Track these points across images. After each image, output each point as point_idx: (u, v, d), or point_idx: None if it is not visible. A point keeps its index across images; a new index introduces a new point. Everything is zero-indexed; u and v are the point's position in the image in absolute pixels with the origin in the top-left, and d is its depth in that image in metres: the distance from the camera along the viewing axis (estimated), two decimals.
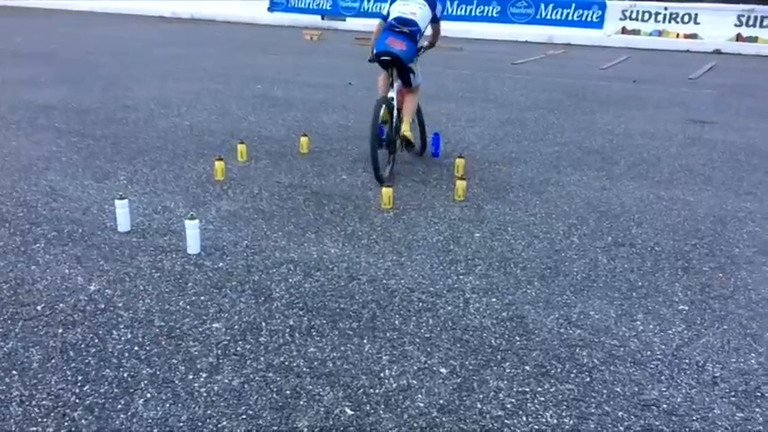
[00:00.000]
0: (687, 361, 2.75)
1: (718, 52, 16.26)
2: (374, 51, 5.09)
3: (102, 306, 3.02)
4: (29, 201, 4.35)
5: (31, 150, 5.54)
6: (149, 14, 23.90)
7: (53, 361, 2.58)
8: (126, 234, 3.86)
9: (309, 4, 22.22)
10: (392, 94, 5.14)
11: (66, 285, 3.20)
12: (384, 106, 4.96)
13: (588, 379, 2.59)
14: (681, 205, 4.73)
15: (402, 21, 5.04)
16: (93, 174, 4.97)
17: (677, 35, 17.67)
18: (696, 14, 17.57)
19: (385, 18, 5.22)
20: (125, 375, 2.50)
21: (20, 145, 5.70)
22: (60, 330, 2.80)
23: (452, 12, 20.61)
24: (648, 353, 2.80)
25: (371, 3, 21.80)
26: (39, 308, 2.98)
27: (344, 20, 21.75)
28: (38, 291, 3.14)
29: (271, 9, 22.49)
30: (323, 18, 21.67)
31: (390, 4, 5.22)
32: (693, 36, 17.46)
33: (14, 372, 2.50)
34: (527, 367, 2.66)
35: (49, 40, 14.54)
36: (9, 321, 2.85)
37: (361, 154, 5.80)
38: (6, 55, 11.54)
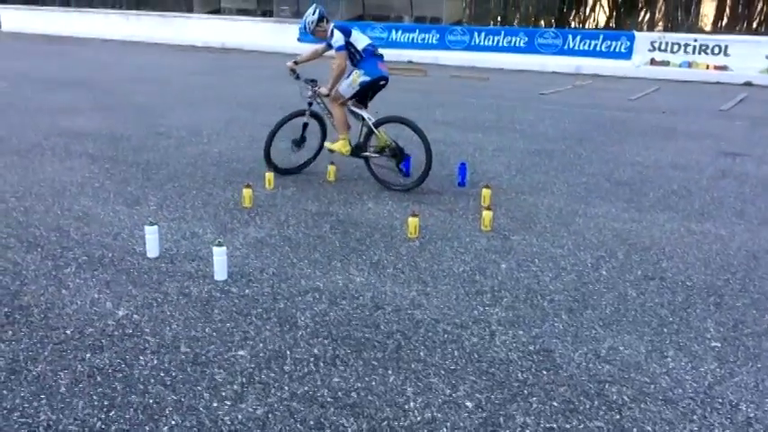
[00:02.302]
0: (720, 400, 2.67)
1: (749, 84, 16.10)
2: (368, 78, 5.49)
3: (130, 331, 3.04)
4: (62, 225, 4.43)
5: (64, 176, 5.66)
6: (181, 43, 24.47)
7: (81, 385, 2.60)
8: (155, 260, 3.91)
9: None
10: (367, 114, 5.69)
11: (95, 310, 3.24)
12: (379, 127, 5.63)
13: (618, 416, 2.54)
14: (712, 239, 4.65)
15: (375, 45, 5.62)
16: (124, 199, 5.06)
17: (707, 67, 17.56)
18: (726, 46, 17.46)
19: (345, 48, 5.45)
20: (150, 402, 2.51)
21: (54, 171, 5.82)
22: (88, 355, 2.82)
23: (480, 42, 20.79)
24: (680, 391, 2.73)
25: (399, 33, 22.08)
26: (68, 332, 3.02)
27: None
28: (67, 315, 3.18)
29: (300, 39, 22.88)
30: None
31: (348, 36, 5.47)
32: (724, 68, 17.33)
33: (42, 396, 2.52)
34: (554, 403, 2.61)
35: (83, 67, 14.94)
36: (39, 345, 2.89)
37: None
38: (42, 82, 11.87)
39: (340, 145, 5.73)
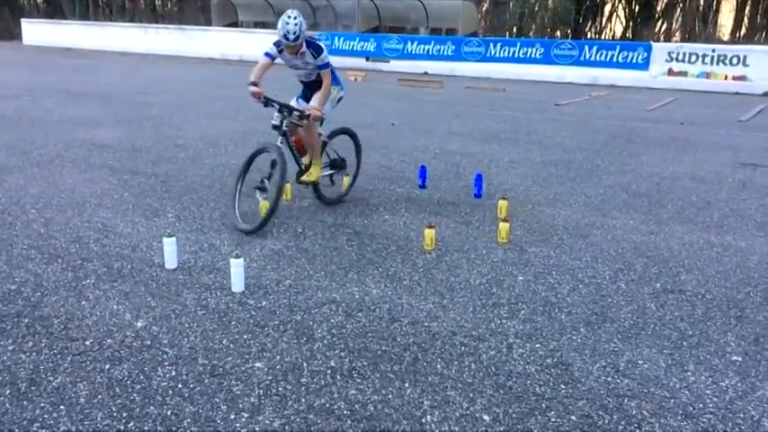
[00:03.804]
0: (741, 415, 2.64)
1: None
2: (343, 93, 5.32)
3: (149, 343, 3.06)
4: (81, 237, 4.48)
5: (84, 188, 5.72)
6: (200, 56, 24.74)
7: (99, 397, 2.62)
8: (173, 271, 3.94)
9: (354, 46, 22.70)
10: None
11: (114, 321, 3.27)
12: None
13: (637, 431, 2.51)
14: (732, 251, 4.60)
15: None
16: (143, 211, 5.10)
17: (725, 77, 17.45)
18: (745, 56, 17.36)
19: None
20: (168, 413, 2.52)
21: (74, 182, 5.90)
22: (107, 366, 2.85)
23: (495, 54, 20.83)
24: (700, 405, 2.70)
25: (414, 45, 22.16)
26: (87, 343, 3.04)
27: (388, 62, 22.13)
28: (87, 326, 3.21)
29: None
30: (367, 60, 22.10)
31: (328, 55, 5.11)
32: (742, 78, 17.21)
33: (62, 407, 2.54)
34: (573, 417, 2.59)
35: (102, 80, 15.15)
36: (59, 356, 2.92)
37: (404, 194, 5.83)
38: (63, 95, 12.05)
39: (317, 171, 5.17)
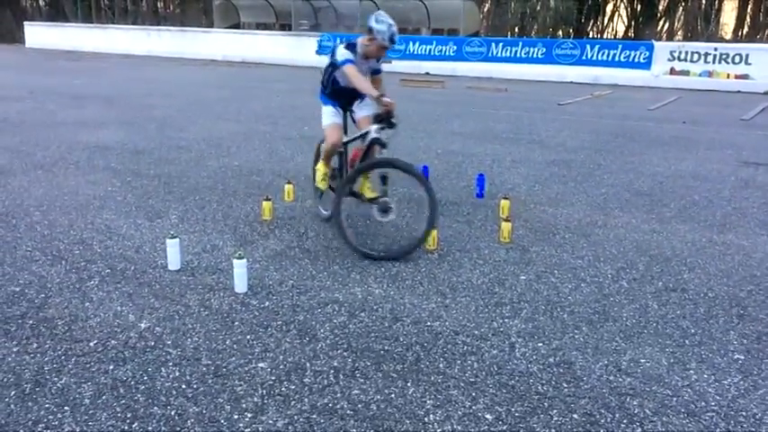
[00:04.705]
0: (744, 413, 2.64)
1: None
2: None
3: (152, 343, 3.08)
4: (85, 239, 4.50)
5: (87, 190, 5.74)
6: (202, 58, 24.79)
7: (104, 397, 2.63)
8: (176, 272, 3.95)
9: None
10: None
11: (118, 322, 3.28)
12: None
13: (639, 430, 2.51)
14: (735, 250, 4.60)
15: None
16: (146, 213, 5.12)
17: (728, 76, 17.43)
18: (747, 55, 17.33)
19: None
20: (172, 413, 2.54)
21: (77, 184, 5.91)
22: (111, 367, 2.86)
23: (497, 53, 20.83)
24: (703, 404, 2.70)
25: (417, 45, 22.18)
26: (91, 344, 3.06)
27: (390, 62, 22.12)
28: (91, 327, 3.22)
29: (319, 52, 23.08)
30: None
31: None
32: (744, 77, 17.18)
33: (67, 408, 2.56)
34: (575, 416, 2.59)
35: (105, 82, 15.19)
36: (63, 357, 2.93)
37: (406, 194, 5.83)
38: (66, 97, 12.08)
39: None
